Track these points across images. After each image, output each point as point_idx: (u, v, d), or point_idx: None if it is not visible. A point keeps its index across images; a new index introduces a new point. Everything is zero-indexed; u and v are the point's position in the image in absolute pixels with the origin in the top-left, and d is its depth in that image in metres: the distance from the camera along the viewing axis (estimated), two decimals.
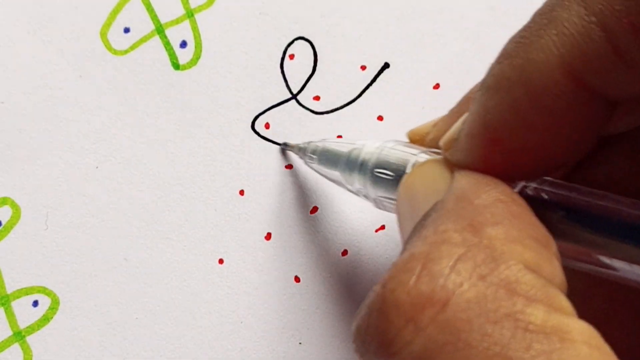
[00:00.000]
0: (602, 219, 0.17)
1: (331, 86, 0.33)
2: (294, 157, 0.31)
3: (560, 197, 0.18)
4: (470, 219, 0.17)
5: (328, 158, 0.28)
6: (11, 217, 0.31)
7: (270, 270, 0.31)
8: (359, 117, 0.32)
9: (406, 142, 0.26)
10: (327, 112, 0.32)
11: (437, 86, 0.33)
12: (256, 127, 0.32)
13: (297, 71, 0.33)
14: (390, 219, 0.32)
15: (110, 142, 0.32)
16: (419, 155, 0.23)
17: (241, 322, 0.31)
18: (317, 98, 0.32)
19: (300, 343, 0.31)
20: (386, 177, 0.24)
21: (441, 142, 0.21)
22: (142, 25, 0.32)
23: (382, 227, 0.32)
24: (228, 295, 0.31)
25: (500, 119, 0.18)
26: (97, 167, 0.31)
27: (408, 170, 0.23)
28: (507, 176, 0.18)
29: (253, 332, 0.31)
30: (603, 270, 0.17)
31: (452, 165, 0.20)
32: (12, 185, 0.31)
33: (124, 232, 0.31)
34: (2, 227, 0.31)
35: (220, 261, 0.31)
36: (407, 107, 0.33)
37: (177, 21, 0.32)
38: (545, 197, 0.18)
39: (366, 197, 0.26)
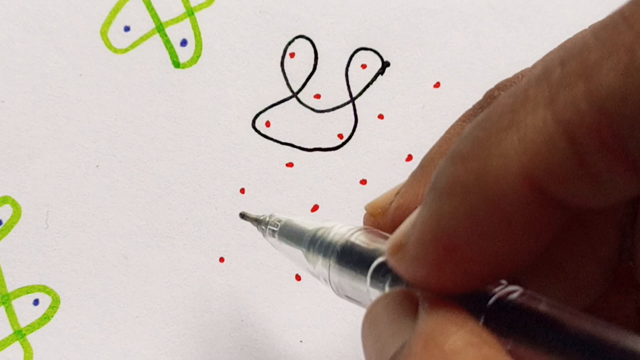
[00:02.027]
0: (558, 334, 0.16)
1: (332, 84, 0.33)
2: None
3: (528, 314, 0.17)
4: None
5: (290, 234, 0.26)
6: (12, 216, 0.31)
7: (271, 268, 0.31)
8: (360, 116, 0.32)
9: (373, 230, 0.24)
10: (328, 111, 0.32)
11: (437, 85, 0.33)
12: (257, 126, 0.32)
13: (297, 69, 0.33)
14: None
15: (110, 140, 0.32)
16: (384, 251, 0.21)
17: (242, 321, 0.31)
18: (317, 96, 0.32)
19: (301, 341, 0.31)
20: (351, 270, 0.22)
21: (387, 246, 0.19)
22: (143, 23, 0.32)
23: None
24: (229, 293, 0.31)
25: (456, 225, 0.16)
26: (97, 166, 0.31)
27: (375, 264, 0.21)
28: (457, 284, 0.17)
29: (254, 330, 0.31)
30: None
31: (415, 297, 0.19)
32: (12, 184, 0.31)
33: (124, 231, 0.31)
34: (2, 226, 0.31)
35: (221, 260, 0.31)
36: (407, 105, 0.33)
37: (178, 19, 0.32)
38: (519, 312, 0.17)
39: (326, 281, 0.24)
